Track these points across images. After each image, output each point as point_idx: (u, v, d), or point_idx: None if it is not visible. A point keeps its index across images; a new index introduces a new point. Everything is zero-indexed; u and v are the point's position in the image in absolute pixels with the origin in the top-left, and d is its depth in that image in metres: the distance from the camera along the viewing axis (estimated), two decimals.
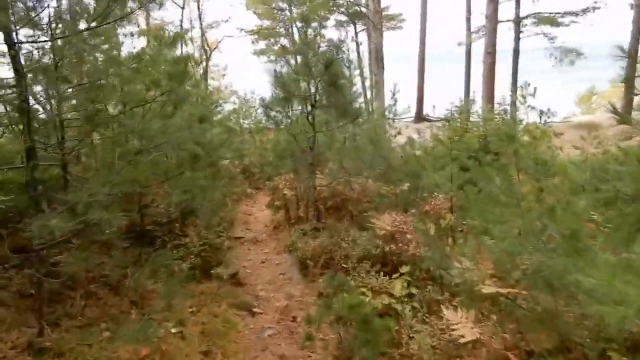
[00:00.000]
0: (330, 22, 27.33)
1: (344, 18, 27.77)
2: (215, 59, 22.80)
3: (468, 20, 25.14)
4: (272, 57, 25.91)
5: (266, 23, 26.98)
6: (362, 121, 8.38)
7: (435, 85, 29.44)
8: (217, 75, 19.43)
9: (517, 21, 21.02)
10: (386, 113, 10.11)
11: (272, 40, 27.91)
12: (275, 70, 5.93)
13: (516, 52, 21.69)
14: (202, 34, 17.19)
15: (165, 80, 4.98)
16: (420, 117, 25.99)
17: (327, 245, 5.81)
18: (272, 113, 6.86)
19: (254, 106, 14.10)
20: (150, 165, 4.94)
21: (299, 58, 7.09)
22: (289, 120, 7.05)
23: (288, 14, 25.64)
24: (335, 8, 26.77)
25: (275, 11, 26.17)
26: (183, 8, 16.91)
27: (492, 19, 19.46)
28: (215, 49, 17.74)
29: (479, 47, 23.12)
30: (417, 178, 6.27)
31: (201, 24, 17.18)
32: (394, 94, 9.84)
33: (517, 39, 21.50)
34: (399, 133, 10.06)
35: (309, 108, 6.36)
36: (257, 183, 12.43)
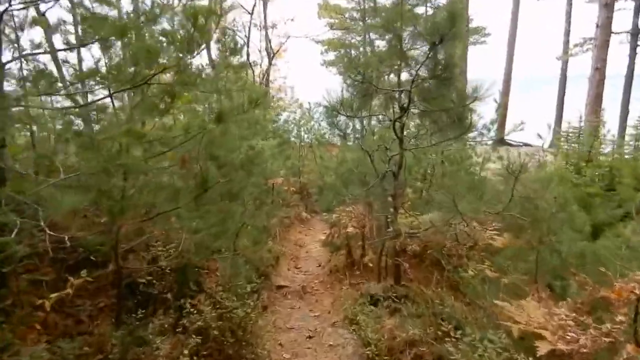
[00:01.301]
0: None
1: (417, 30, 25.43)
2: (281, 69, 21.42)
3: (567, 32, 21.81)
4: (342, 70, 24.19)
5: (338, 34, 25.38)
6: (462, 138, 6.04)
7: (518, 108, 26.16)
8: (278, 87, 17.68)
9: (636, 32, 17.56)
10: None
11: (342, 51, 26.27)
12: (348, 52, 3.79)
13: (630, 69, 18.17)
14: (267, 36, 15.62)
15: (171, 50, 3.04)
16: (501, 140, 22.92)
17: (417, 338, 3.50)
18: (339, 119, 4.70)
19: (317, 118, 12.18)
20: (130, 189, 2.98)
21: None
22: (364, 129, 4.85)
23: (361, 24, 23.83)
24: (412, 21, 24.54)
25: (348, 20, 24.51)
26: (251, 14, 15.57)
27: (605, 28, 16.28)
28: (278, 52, 16.09)
29: (574, 67, 19.89)
30: (567, 231, 3.81)
31: (265, 24, 15.63)
32: (499, 106, 7.47)
33: (632, 54, 18.00)
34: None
35: (397, 112, 4.12)
36: (315, 205, 10.47)
